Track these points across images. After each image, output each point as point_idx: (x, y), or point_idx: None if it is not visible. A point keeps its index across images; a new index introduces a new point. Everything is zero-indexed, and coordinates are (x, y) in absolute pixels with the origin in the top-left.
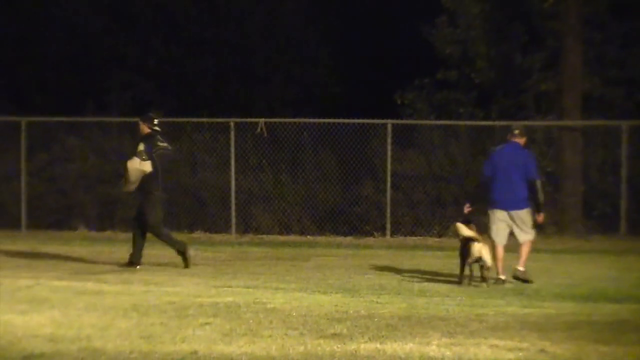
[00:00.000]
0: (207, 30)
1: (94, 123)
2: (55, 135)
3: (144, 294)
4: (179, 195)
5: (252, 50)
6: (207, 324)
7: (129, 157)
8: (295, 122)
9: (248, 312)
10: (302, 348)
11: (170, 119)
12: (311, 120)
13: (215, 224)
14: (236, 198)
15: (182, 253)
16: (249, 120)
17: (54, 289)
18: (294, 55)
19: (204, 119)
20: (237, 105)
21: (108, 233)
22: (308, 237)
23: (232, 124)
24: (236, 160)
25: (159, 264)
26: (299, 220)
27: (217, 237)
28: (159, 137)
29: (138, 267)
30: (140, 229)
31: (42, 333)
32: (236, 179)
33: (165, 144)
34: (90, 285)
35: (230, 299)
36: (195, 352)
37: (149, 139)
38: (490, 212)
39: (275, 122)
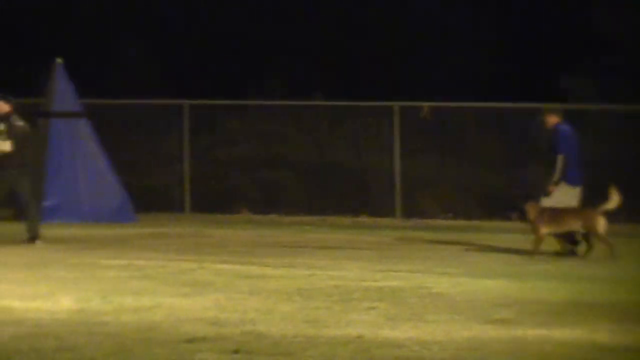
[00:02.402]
0: (370, 12)
1: (256, 106)
2: (218, 119)
3: (307, 278)
4: (343, 180)
5: (415, 32)
6: (372, 308)
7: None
8: (459, 106)
9: (413, 296)
10: (467, 333)
11: (334, 102)
12: (476, 104)
13: (380, 208)
14: (401, 182)
15: None
16: (413, 104)
17: (217, 272)
18: (459, 37)
19: (368, 103)
20: (401, 89)
21: (272, 217)
22: (474, 221)
23: (396, 108)
24: (401, 144)
25: (323, 247)
26: (465, 205)
27: (382, 221)
28: (15, 116)
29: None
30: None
31: (205, 316)
32: (401, 163)
33: (22, 123)
34: (254, 268)
35: (395, 283)
36: (360, 337)
37: (8, 118)
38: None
39: (439, 106)
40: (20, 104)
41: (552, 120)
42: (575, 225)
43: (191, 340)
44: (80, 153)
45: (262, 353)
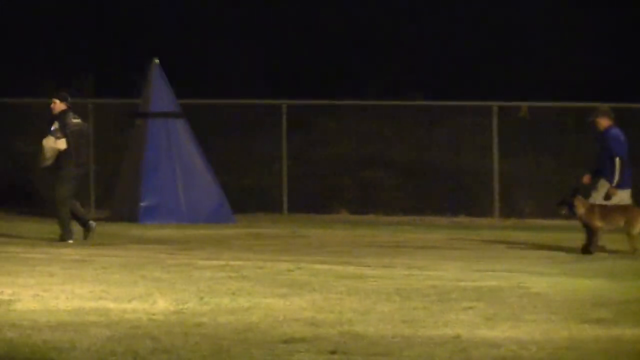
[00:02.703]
0: (467, 11)
1: (354, 106)
2: (316, 119)
3: (406, 278)
4: (441, 180)
5: (514, 32)
6: (469, 308)
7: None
8: (558, 106)
9: (511, 296)
10: (566, 333)
11: (432, 102)
12: (574, 104)
13: (478, 208)
14: (499, 182)
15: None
16: (511, 104)
17: (314, 272)
18: (557, 37)
19: (466, 102)
20: (499, 88)
21: (370, 216)
22: (572, 221)
23: (494, 108)
24: (499, 144)
25: (421, 247)
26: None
27: (480, 221)
28: (71, 114)
29: (71, 241)
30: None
31: (302, 317)
32: (499, 163)
33: (78, 120)
34: (351, 269)
35: (493, 282)
36: (458, 337)
37: (62, 116)
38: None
39: (538, 106)
40: (119, 104)
41: (604, 122)
42: (621, 222)
43: (288, 341)
44: (178, 153)
45: (360, 353)
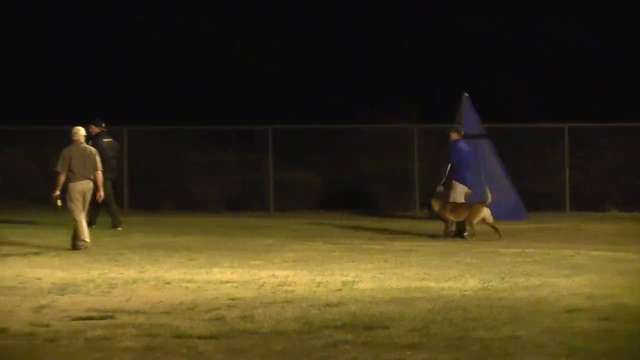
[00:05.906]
0: None
1: (622, 128)
2: (592, 138)
3: None
4: None
5: None
6: None
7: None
8: None
9: None
10: None
11: None
12: None
13: None
14: None
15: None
16: None
17: (591, 257)
18: None
19: None
20: None
21: (635, 213)
22: None
23: None
24: None
25: None
26: None
27: None
28: (104, 135)
29: (119, 228)
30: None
31: (581, 292)
32: None
33: (109, 139)
34: (620, 254)
35: None
36: None
37: (97, 137)
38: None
39: None
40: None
41: (454, 136)
42: (466, 214)
43: (570, 311)
44: (484, 165)
45: (626, 320)
